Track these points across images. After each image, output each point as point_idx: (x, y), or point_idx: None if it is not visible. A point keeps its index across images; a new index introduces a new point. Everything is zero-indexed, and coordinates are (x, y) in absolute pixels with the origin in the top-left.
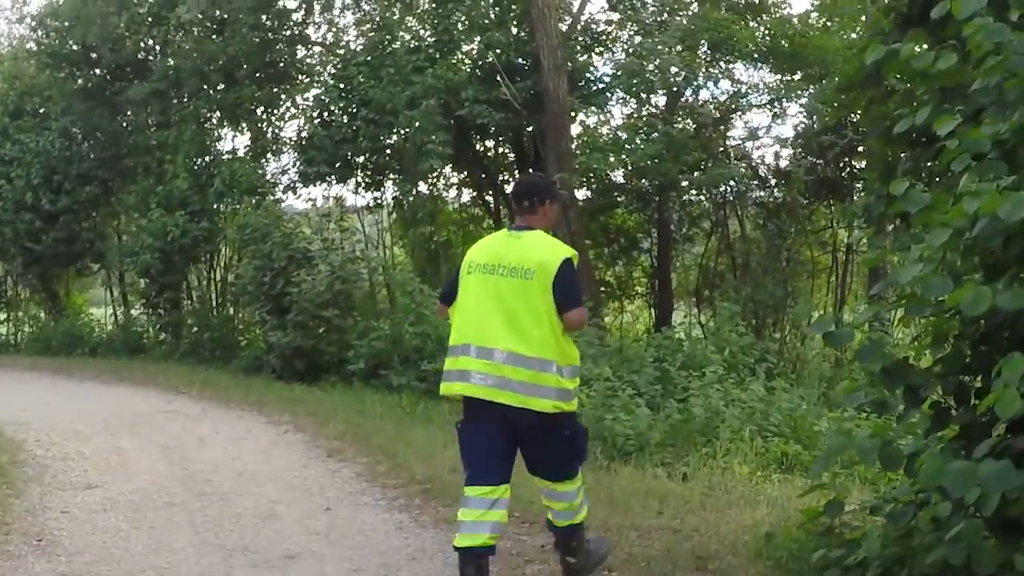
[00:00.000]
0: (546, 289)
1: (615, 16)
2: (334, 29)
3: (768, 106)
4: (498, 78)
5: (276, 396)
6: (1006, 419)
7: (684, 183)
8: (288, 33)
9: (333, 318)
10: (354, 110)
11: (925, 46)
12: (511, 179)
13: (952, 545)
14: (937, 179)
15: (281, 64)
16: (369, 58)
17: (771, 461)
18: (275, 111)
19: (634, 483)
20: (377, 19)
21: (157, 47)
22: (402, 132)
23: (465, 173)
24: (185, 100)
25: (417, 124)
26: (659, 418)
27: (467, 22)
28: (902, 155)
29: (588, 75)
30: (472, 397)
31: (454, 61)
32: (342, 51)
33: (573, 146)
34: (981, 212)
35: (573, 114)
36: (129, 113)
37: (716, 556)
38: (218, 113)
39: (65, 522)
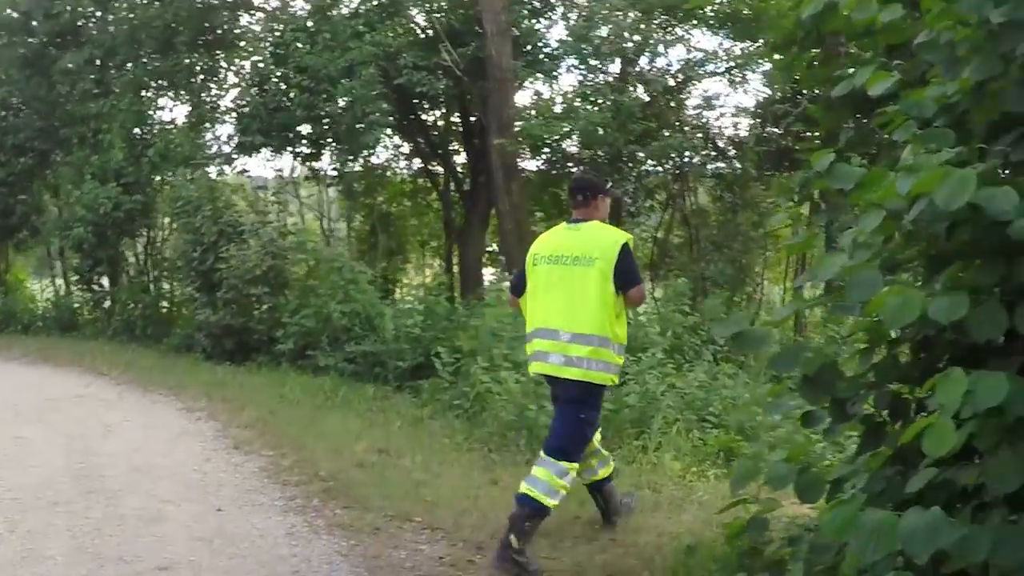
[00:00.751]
0: (607, 273)
1: None
2: None
3: (726, 74)
4: (440, 44)
5: (198, 379)
6: (938, 456)
7: (640, 154)
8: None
9: (263, 296)
10: (291, 77)
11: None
12: (460, 149)
13: None
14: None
15: (220, 31)
16: (311, 23)
17: (709, 455)
18: (214, 79)
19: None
20: None
21: (98, 13)
22: (341, 101)
23: (412, 144)
24: (125, 68)
25: (356, 93)
26: None
27: None
28: (846, 124)
29: (536, 41)
30: (548, 375)
31: (394, 26)
32: (286, 17)
33: (520, 114)
34: (914, 192)
35: (522, 82)
36: (67, 83)
37: (630, 573)
38: (156, 82)
39: None
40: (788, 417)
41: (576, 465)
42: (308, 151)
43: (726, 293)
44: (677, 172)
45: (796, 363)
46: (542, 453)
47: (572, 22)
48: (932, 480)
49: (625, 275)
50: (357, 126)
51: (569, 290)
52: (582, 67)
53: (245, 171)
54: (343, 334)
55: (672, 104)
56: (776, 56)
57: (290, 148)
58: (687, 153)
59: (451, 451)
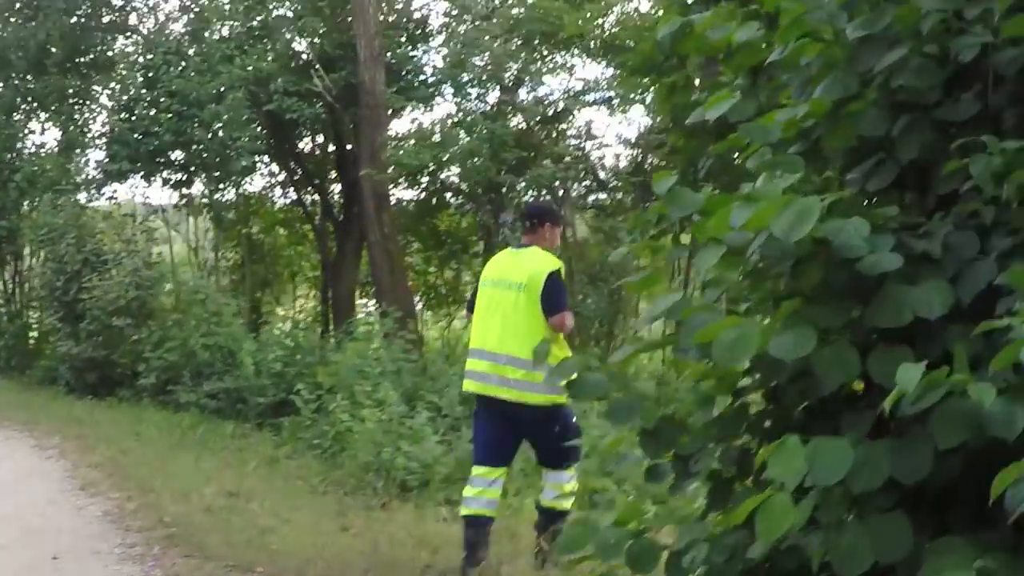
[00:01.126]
0: (534, 299)
1: (444, 5)
2: (154, 17)
3: (607, 104)
4: (312, 69)
5: (55, 414)
6: (772, 541)
7: (520, 184)
8: (107, 20)
9: (126, 328)
10: (162, 101)
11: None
12: (337, 177)
13: None
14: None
15: (94, 53)
16: (191, 47)
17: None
18: (87, 103)
19: (409, 526)
20: (195, 6)
21: None
22: (212, 127)
23: (287, 172)
24: None
25: (225, 118)
26: (457, 447)
27: (283, 6)
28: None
29: (412, 68)
30: (488, 396)
31: (265, 49)
32: (160, 40)
33: (393, 142)
34: (751, 225)
35: (395, 110)
36: None
37: None
38: (27, 104)
39: None
40: None
41: (575, 465)
42: (180, 178)
43: (544, 345)
44: (558, 203)
45: (634, 414)
46: (544, 471)
47: (449, 49)
48: (778, 546)
49: (547, 302)
50: (227, 152)
51: (504, 313)
52: (457, 96)
53: (113, 198)
54: (206, 369)
55: (554, 134)
56: (635, 80)
57: (161, 175)
58: (567, 183)
59: (305, 494)
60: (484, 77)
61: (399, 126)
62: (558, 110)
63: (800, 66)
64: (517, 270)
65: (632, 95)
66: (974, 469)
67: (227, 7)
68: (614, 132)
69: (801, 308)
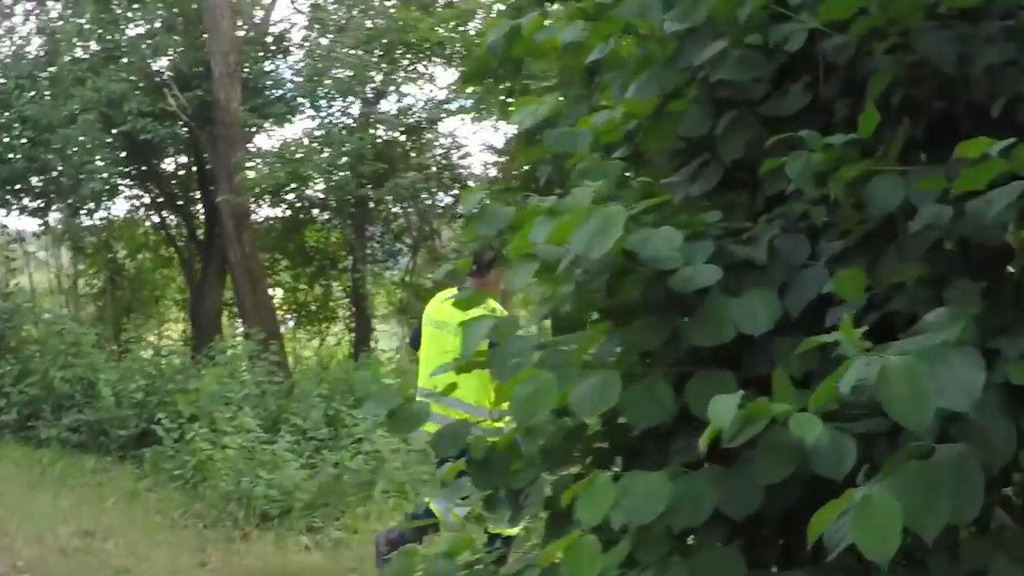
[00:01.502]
0: None
1: (302, 20)
2: (10, 40)
3: (472, 111)
4: (164, 88)
5: None
6: None
7: (388, 197)
8: None
9: None
10: (15, 127)
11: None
12: (199, 198)
13: None
14: None
15: None
16: (47, 71)
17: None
18: None
19: (268, 557)
20: (51, 28)
21: None
22: (65, 152)
23: (148, 195)
24: None
25: (79, 140)
26: (321, 471)
27: (137, 26)
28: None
29: (268, 83)
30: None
31: (118, 69)
32: (20, 64)
33: (256, 160)
34: (551, 241)
35: (252, 128)
36: None
37: None
38: None
39: None
40: None
41: None
42: (38, 205)
43: (369, 372)
44: (424, 213)
45: (458, 444)
46: None
47: (306, 63)
48: None
49: None
50: (80, 176)
51: (446, 357)
52: (314, 110)
53: None
54: (66, 401)
55: (419, 144)
56: (469, 85)
57: (19, 203)
58: (433, 193)
59: (165, 529)
60: (344, 89)
61: (266, 143)
62: (421, 120)
63: (624, 64)
64: (459, 315)
65: (492, 101)
66: (814, 495)
67: (86, 27)
68: (480, 140)
69: (614, 330)
